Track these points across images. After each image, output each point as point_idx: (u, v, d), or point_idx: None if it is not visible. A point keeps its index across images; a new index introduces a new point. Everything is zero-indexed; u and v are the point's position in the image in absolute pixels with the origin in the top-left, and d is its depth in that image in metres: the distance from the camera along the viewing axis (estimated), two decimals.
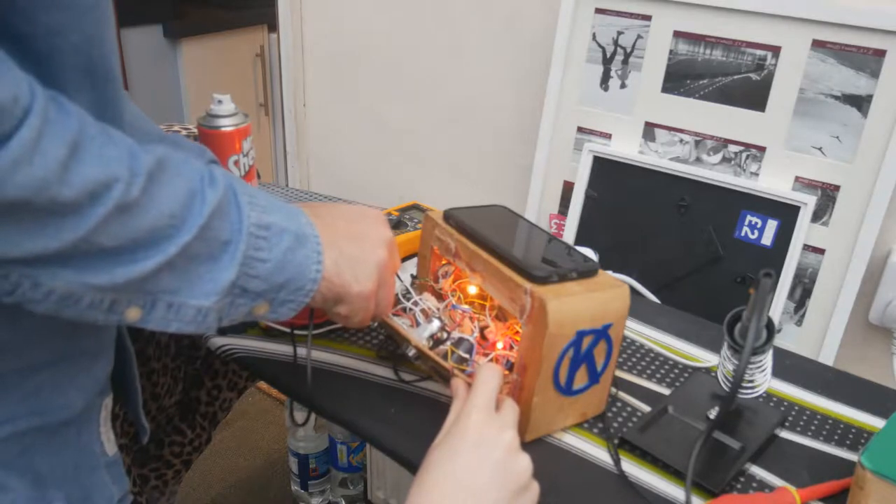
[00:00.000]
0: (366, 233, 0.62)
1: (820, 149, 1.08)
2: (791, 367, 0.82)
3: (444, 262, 0.78)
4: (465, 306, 0.75)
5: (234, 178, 0.52)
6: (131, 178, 0.43)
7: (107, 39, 0.48)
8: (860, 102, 1.03)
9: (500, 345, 0.73)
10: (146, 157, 0.44)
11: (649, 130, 1.21)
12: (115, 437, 0.58)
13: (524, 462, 0.54)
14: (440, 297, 0.78)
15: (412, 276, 0.82)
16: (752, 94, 1.11)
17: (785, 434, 0.72)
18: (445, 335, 0.71)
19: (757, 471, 0.67)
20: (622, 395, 0.76)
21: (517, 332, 0.73)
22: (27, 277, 0.42)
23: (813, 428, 0.73)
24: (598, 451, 0.69)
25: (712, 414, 0.71)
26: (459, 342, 0.70)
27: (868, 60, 1.02)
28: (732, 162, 1.15)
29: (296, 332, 0.82)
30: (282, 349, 0.80)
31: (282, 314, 0.55)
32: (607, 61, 1.22)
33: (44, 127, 0.38)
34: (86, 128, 0.41)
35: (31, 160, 0.37)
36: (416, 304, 0.75)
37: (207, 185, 0.48)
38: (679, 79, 1.17)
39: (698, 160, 1.18)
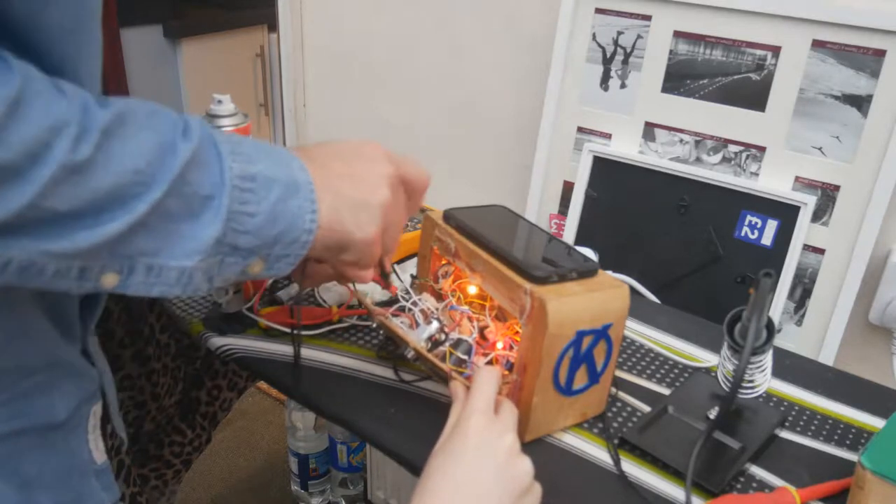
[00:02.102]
0: (365, 172, 0.57)
1: (820, 149, 1.08)
2: (791, 367, 0.82)
3: (443, 262, 0.78)
4: (464, 307, 0.75)
5: (214, 129, 0.48)
6: (80, 134, 0.39)
7: (89, 58, 0.46)
8: (860, 102, 1.03)
9: (499, 345, 0.73)
10: (102, 111, 0.41)
11: (649, 130, 1.21)
12: (104, 446, 0.56)
13: (525, 465, 0.54)
14: (440, 297, 0.78)
15: (412, 276, 0.82)
16: (752, 94, 1.11)
17: (785, 434, 0.72)
18: (444, 336, 0.71)
19: (757, 471, 0.67)
20: (622, 395, 0.76)
21: (517, 333, 0.72)
22: None
23: (813, 428, 0.73)
24: (598, 451, 0.69)
25: (712, 414, 0.71)
26: (458, 343, 0.70)
27: (868, 60, 1.02)
28: (732, 162, 1.15)
29: (296, 332, 0.82)
30: (282, 349, 0.80)
31: (278, 270, 0.52)
32: (607, 61, 1.22)
33: None
34: (30, 83, 0.38)
35: None
36: (415, 304, 0.75)
37: (180, 137, 0.44)
38: (679, 79, 1.17)
39: (698, 160, 1.18)
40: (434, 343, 0.71)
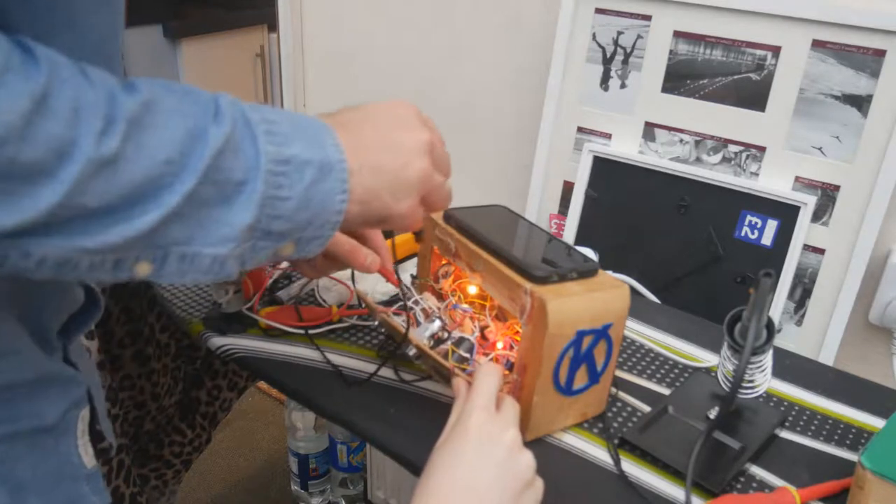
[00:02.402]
0: (400, 140, 0.54)
1: (820, 149, 1.08)
2: (791, 367, 0.82)
3: (444, 262, 0.78)
4: (466, 306, 0.75)
5: (249, 105, 0.46)
6: (106, 126, 0.38)
7: (113, 38, 0.46)
8: (860, 102, 1.03)
9: (500, 345, 0.73)
10: (128, 99, 0.39)
11: (649, 130, 1.21)
12: (93, 451, 0.56)
13: (527, 460, 0.54)
14: (440, 297, 0.78)
15: (412, 276, 0.82)
16: (752, 94, 1.11)
17: (785, 434, 0.72)
18: (446, 335, 0.71)
19: (757, 471, 0.67)
20: (622, 395, 0.76)
21: (517, 332, 0.72)
22: (13, 248, 0.38)
23: (813, 428, 0.73)
24: (598, 451, 0.69)
25: (712, 414, 0.71)
26: (460, 342, 0.70)
27: (868, 60, 1.02)
28: (732, 162, 1.15)
29: (296, 331, 0.82)
30: (282, 349, 0.80)
31: (309, 252, 0.50)
32: (607, 61, 1.22)
33: (2, 76, 0.34)
34: (56, 71, 0.37)
35: None
36: (416, 303, 0.75)
37: (212, 122, 0.42)
38: (679, 79, 1.17)
39: (698, 160, 1.18)
40: (436, 341, 0.71)
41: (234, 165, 0.43)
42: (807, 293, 1.13)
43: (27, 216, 0.36)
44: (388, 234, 0.78)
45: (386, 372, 0.78)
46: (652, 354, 0.84)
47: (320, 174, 0.47)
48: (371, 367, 0.78)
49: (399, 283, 0.75)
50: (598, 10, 1.21)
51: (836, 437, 0.72)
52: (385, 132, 0.54)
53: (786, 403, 0.77)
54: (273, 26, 2.49)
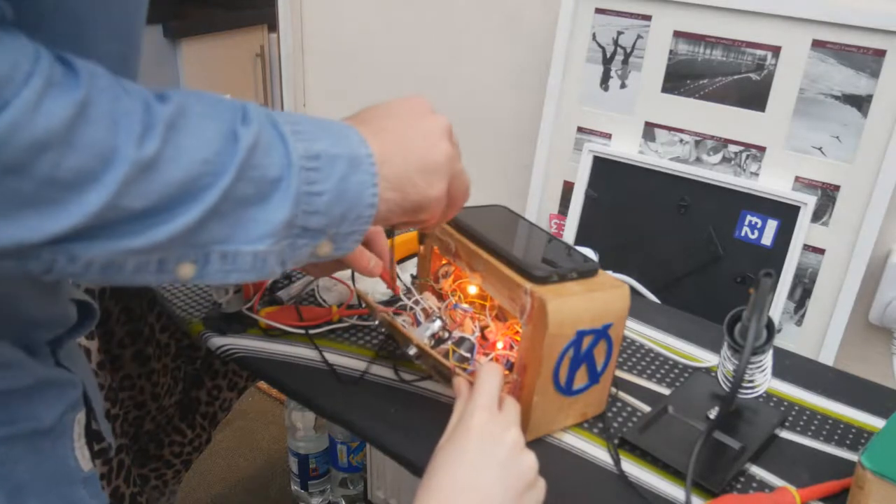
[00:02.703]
0: (422, 126, 0.56)
1: (820, 149, 1.08)
2: (791, 367, 0.82)
3: (444, 262, 0.78)
4: (466, 306, 0.75)
5: (274, 110, 0.48)
6: (144, 131, 0.40)
7: (136, 51, 0.48)
8: (860, 102, 1.03)
9: (500, 345, 0.73)
10: (163, 106, 0.41)
11: (649, 130, 1.21)
12: (89, 455, 0.56)
13: (530, 460, 0.54)
14: (440, 297, 0.78)
15: (412, 276, 0.82)
16: (752, 94, 1.11)
17: (785, 434, 0.72)
18: (447, 334, 0.71)
19: (757, 471, 0.67)
20: (622, 395, 0.76)
21: (517, 332, 0.72)
22: (60, 254, 0.39)
23: (813, 428, 0.73)
24: (598, 451, 0.69)
25: (712, 414, 0.71)
26: (461, 341, 0.70)
27: (868, 60, 1.02)
28: (732, 162, 1.15)
29: (296, 331, 0.82)
30: (282, 349, 0.80)
31: (346, 248, 0.51)
32: (607, 61, 1.22)
33: (46, 89, 0.36)
34: (96, 81, 0.39)
35: (31, 121, 0.36)
36: (417, 303, 0.75)
37: (240, 123, 0.44)
38: (679, 79, 1.17)
39: (698, 160, 1.18)
40: (437, 341, 0.71)
41: (268, 163, 0.44)
42: (807, 293, 1.13)
43: (74, 221, 0.38)
44: (389, 234, 0.78)
45: (386, 372, 0.78)
46: (652, 354, 0.84)
47: (350, 167, 0.48)
48: (371, 367, 0.78)
49: (398, 291, 0.75)
50: (598, 10, 1.21)
51: (836, 437, 0.72)
52: (406, 120, 0.56)
53: (786, 403, 0.77)
54: (273, 26, 2.49)
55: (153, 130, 0.40)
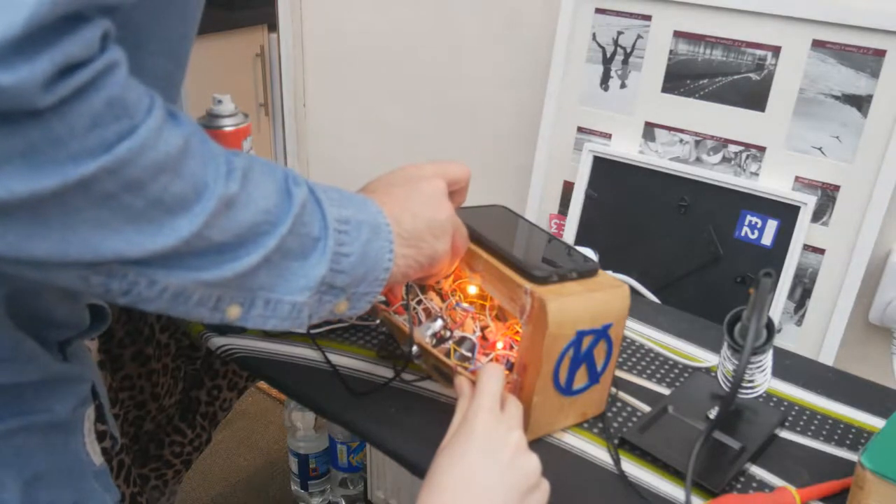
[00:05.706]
0: (424, 191, 0.62)
1: (820, 149, 1.08)
2: (791, 367, 0.82)
3: None
4: (467, 305, 0.75)
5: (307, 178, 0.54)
6: (230, 170, 0.45)
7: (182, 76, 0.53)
8: (860, 102, 1.03)
9: (500, 345, 0.73)
10: (238, 157, 0.46)
11: (649, 130, 1.22)
12: (99, 449, 0.58)
13: (533, 461, 0.54)
14: (441, 296, 0.78)
15: None
16: (752, 94, 1.11)
17: (785, 434, 0.72)
18: (448, 334, 0.71)
19: (757, 471, 0.67)
20: (622, 395, 0.76)
21: (517, 332, 0.72)
22: (144, 276, 0.43)
23: (813, 428, 0.73)
24: (598, 451, 0.69)
25: (712, 414, 0.71)
26: (462, 341, 0.70)
27: (868, 60, 1.02)
28: (732, 162, 1.15)
29: (298, 332, 0.82)
30: (282, 349, 0.80)
31: (359, 308, 0.56)
32: (607, 61, 1.22)
33: (164, 121, 0.41)
34: (194, 129, 0.44)
35: (155, 145, 0.40)
36: (418, 302, 0.75)
37: (292, 183, 0.49)
38: (679, 79, 1.17)
39: (698, 160, 1.18)
40: (438, 340, 0.71)
41: (311, 221, 0.50)
42: (807, 293, 1.13)
43: (169, 243, 0.42)
44: None
45: (386, 372, 0.78)
46: (652, 354, 0.84)
47: (372, 233, 0.54)
48: (372, 368, 0.78)
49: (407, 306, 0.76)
50: (598, 10, 1.21)
51: (836, 437, 0.72)
52: (407, 187, 0.62)
53: (786, 403, 0.77)
54: (273, 26, 2.49)
55: (234, 174, 0.45)
